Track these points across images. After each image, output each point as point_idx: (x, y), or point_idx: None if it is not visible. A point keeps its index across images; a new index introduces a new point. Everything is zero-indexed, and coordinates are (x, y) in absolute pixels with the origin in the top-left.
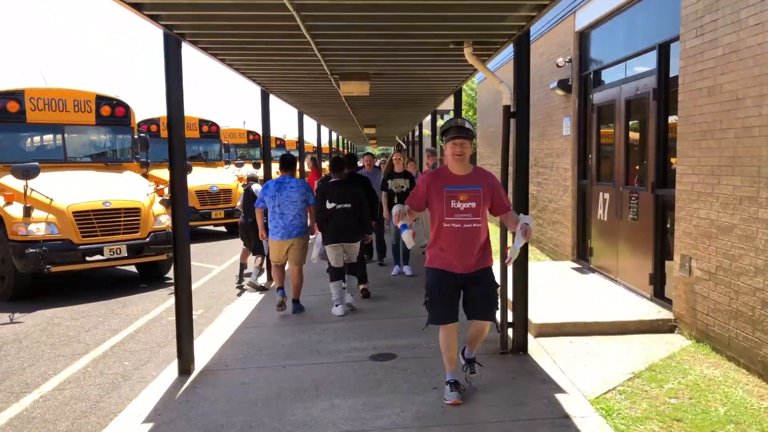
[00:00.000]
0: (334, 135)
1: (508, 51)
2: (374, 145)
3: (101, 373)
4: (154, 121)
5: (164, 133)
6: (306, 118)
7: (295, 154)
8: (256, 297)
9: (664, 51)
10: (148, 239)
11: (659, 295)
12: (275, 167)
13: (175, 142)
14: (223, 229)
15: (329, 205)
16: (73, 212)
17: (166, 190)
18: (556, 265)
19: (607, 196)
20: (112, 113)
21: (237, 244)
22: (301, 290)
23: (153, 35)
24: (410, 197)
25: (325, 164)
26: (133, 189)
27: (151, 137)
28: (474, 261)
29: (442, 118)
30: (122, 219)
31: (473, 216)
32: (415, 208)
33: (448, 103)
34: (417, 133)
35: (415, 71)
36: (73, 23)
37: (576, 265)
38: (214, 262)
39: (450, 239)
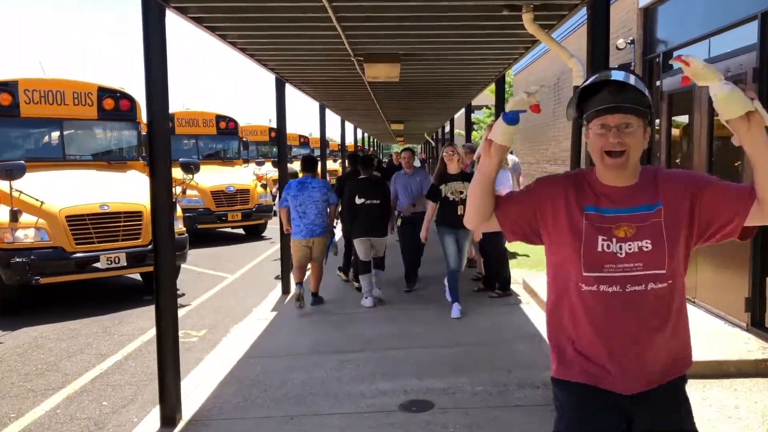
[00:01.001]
0: (359, 132)
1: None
2: (401, 142)
3: (71, 418)
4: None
5: (178, 130)
6: (331, 114)
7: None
8: (268, 314)
9: None
10: (150, 246)
11: (760, 325)
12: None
13: (157, 133)
14: (240, 231)
15: (359, 200)
16: (66, 216)
17: (178, 190)
18: None
19: None
20: (116, 107)
21: (254, 249)
22: (320, 284)
23: None
24: (504, 208)
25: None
26: (136, 190)
27: None
28: (655, 367)
29: (472, 112)
30: (122, 224)
31: (648, 269)
32: (509, 230)
33: (482, 98)
34: (447, 129)
35: (455, 51)
36: (72, 23)
37: None
38: (227, 270)
39: (598, 319)
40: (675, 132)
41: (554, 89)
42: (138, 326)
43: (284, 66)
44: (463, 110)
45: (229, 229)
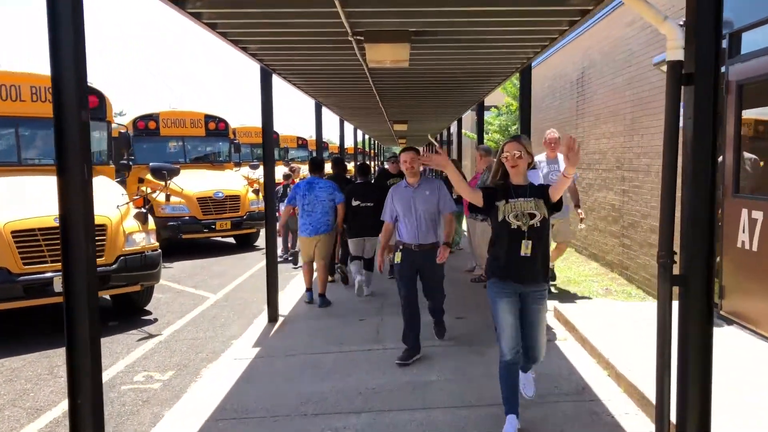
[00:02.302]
0: (360, 134)
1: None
2: (403, 144)
3: None
4: (152, 118)
5: (164, 131)
6: (332, 115)
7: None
8: (250, 351)
9: None
10: (115, 265)
11: None
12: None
13: (67, 124)
14: (231, 240)
15: (354, 203)
16: (12, 231)
17: (162, 197)
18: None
19: (759, 215)
20: None
21: (244, 261)
22: (327, 284)
23: (133, 37)
24: None
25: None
26: (101, 199)
27: (148, 135)
28: None
29: (487, 110)
30: None
31: None
32: None
33: (493, 97)
34: (453, 129)
35: (478, 29)
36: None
37: None
38: (211, 288)
39: None
40: (745, 130)
41: (577, 84)
42: None
43: (270, 52)
44: (468, 111)
45: (219, 238)
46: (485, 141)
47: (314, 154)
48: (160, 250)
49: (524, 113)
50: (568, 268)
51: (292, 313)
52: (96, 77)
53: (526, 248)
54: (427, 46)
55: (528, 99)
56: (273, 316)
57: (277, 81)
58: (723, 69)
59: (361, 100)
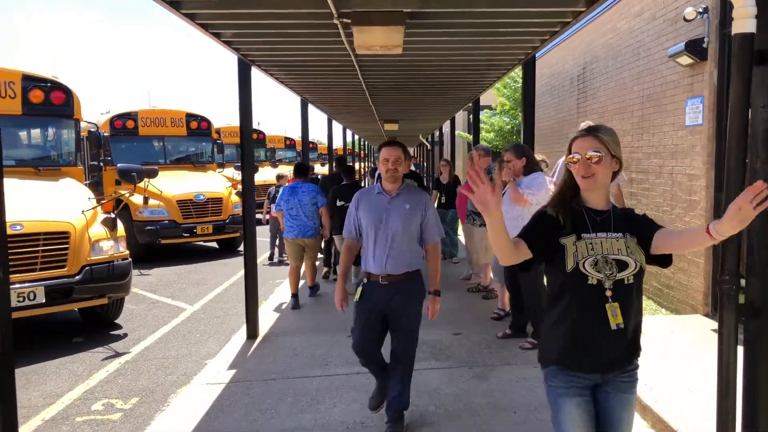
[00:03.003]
0: (349, 134)
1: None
2: None
3: None
4: (130, 116)
5: (143, 130)
6: (321, 115)
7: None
8: (224, 374)
9: None
10: (79, 276)
11: None
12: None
13: None
14: (213, 245)
15: (339, 203)
16: None
17: (140, 199)
18: (679, 323)
19: None
20: (47, 99)
21: (226, 268)
22: (315, 277)
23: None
24: None
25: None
26: (66, 203)
27: (126, 135)
28: None
29: (482, 110)
30: (41, 248)
31: None
32: None
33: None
34: (446, 130)
35: (479, 11)
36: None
37: (714, 324)
38: (188, 298)
39: None
40: None
41: (578, 81)
42: (48, 391)
43: (246, 39)
44: (461, 112)
45: (201, 243)
46: (479, 141)
47: (302, 155)
48: (130, 259)
49: (528, 109)
50: None
51: (274, 327)
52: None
53: (613, 317)
54: (422, 32)
55: (532, 94)
56: (252, 333)
57: (261, 76)
58: None
59: (349, 96)
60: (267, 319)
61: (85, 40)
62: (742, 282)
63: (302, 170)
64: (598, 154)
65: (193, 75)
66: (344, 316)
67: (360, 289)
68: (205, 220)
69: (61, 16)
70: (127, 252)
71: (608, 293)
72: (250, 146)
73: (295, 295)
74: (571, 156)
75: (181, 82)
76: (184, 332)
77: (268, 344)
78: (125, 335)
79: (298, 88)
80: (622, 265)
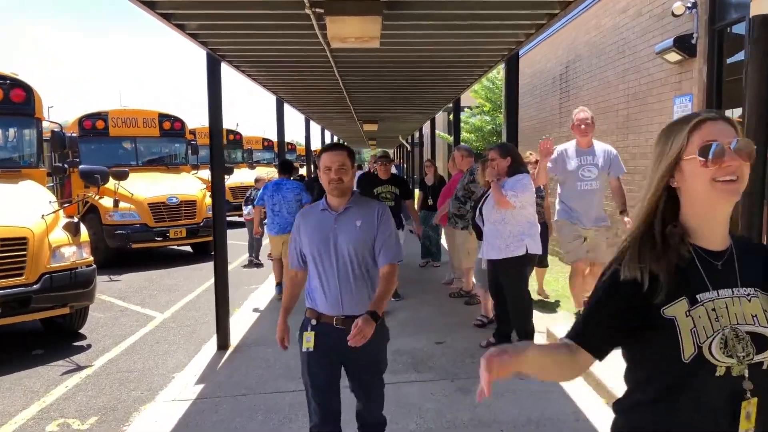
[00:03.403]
0: (327, 135)
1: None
2: (374, 146)
3: None
4: (100, 116)
5: (113, 131)
6: (298, 114)
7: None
8: (191, 390)
9: None
10: (38, 285)
11: None
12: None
13: None
14: (188, 249)
15: None
16: None
17: (110, 202)
18: None
19: None
20: (6, 98)
21: (200, 273)
22: None
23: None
24: None
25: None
26: (25, 207)
27: (96, 136)
28: None
29: (462, 111)
30: None
31: None
32: None
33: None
34: (426, 131)
35: (464, 3)
36: None
37: None
38: (159, 305)
39: None
40: None
41: (561, 80)
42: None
43: (214, 32)
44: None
45: (175, 247)
46: (460, 142)
47: (278, 156)
48: (94, 266)
49: (511, 106)
50: (555, 279)
51: (246, 336)
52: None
53: (747, 421)
54: (401, 24)
55: (515, 92)
56: (223, 344)
57: (239, 77)
58: (730, 60)
59: (326, 95)
60: (239, 327)
61: (85, 40)
62: None
63: (287, 167)
64: (749, 153)
65: (167, 75)
66: None
67: (310, 335)
68: (179, 224)
69: (62, 18)
70: (91, 258)
71: (747, 385)
72: (220, 145)
73: (279, 284)
74: (705, 144)
75: (154, 83)
76: (152, 343)
77: (240, 355)
78: (89, 346)
79: (272, 85)
80: (760, 341)
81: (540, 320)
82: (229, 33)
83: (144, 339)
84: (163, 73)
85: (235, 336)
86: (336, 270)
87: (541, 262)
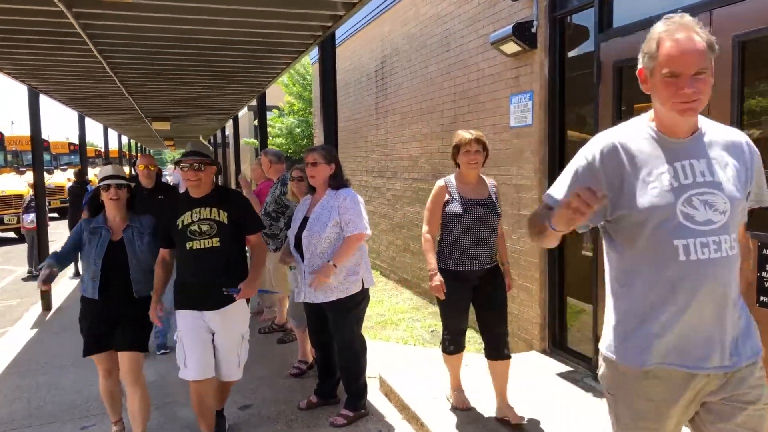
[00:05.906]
0: (124, 139)
1: None
2: (172, 147)
3: None
4: None
5: None
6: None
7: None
8: None
9: None
10: None
11: None
12: None
13: None
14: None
15: None
16: None
17: None
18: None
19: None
20: None
21: None
22: None
23: None
24: None
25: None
26: None
27: None
28: None
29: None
30: None
31: None
32: None
33: (272, 98)
34: (230, 132)
35: None
36: None
37: (553, 362)
38: None
39: None
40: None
41: (376, 78)
42: None
43: None
44: (245, 110)
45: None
46: (267, 145)
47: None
48: None
49: (328, 98)
50: (379, 301)
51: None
52: None
53: None
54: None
55: (333, 82)
56: None
57: None
58: (573, 53)
59: (95, 84)
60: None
61: None
62: None
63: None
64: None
65: None
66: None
67: None
68: None
69: None
70: None
71: None
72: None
73: None
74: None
75: None
76: None
77: None
78: None
79: (15, 71)
80: None
81: (370, 365)
82: None
83: None
84: None
85: None
86: None
87: None
